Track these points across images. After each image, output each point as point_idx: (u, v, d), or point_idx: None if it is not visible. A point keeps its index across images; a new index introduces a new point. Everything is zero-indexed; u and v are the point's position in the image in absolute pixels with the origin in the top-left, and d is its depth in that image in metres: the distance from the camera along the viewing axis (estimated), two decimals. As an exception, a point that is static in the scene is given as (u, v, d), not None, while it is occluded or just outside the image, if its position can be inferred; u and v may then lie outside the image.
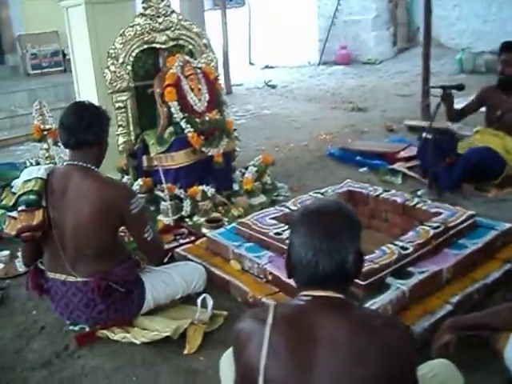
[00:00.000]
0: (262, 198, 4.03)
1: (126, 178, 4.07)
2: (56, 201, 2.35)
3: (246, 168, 4.29)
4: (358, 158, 4.79)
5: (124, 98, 3.87)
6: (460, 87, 3.92)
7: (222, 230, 3.24)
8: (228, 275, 2.87)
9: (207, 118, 3.80)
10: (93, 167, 2.41)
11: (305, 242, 1.43)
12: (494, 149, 3.83)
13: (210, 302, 2.50)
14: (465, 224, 2.94)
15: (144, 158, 3.95)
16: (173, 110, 3.74)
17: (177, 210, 3.74)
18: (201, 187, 3.75)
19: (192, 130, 3.73)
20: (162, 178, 3.70)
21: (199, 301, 2.48)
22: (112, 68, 3.78)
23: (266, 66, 11.14)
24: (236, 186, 4.15)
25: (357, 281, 2.46)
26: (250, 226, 3.05)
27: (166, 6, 3.93)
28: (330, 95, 8.11)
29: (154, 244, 2.51)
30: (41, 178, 2.35)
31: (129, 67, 3.85)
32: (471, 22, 9.59)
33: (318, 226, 1.43)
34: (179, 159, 3.80)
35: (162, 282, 2.58)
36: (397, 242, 2.72)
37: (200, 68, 3.93)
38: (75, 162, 2.38)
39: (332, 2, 10.17)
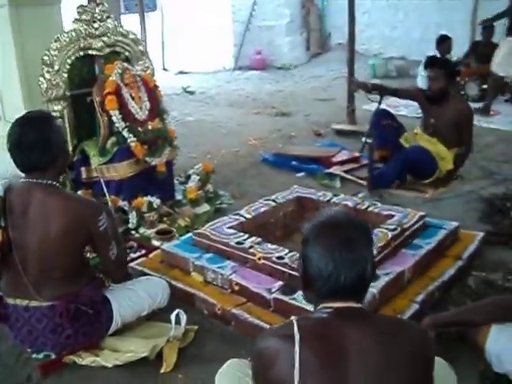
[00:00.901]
0: (206, 207, 3.99)
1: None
2: (16, 220, 2.18)
3: (188, 177, 4.23)
4: (294, 163, 4.87)
5: (60, 107, 3.68)
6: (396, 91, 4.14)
7: (176, 241, 3.17)
8: (191, 288, 2.81)
9: (150, 127, 3.71)
10: (54, 183, 2.27)
11: (324, 255, 1.43)
12: (430, 151, 4.07)
13: (184, 318, 2.44)
14: (417, 225, 3.09)
15: (83, 169, 3.77)
16: (114, 118, 3.61)
17: (122, 222, 3.60)
18: (146, 198, 3.64)
19: (135, 139, 3.62)
20: (105, 189, 3.55)
21: (173, 317, 2.41)
22: (47, 76, 3.58)
23: (180, 72, 11.00)
24: (178, 196, 4.08)
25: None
26: (208, 236, 3.01)
27: (101, 12, 3.78)
28: (251, 100, 8.18)
29: (118, 262, 2.41)
30: (-3, 197, 2.17)
31: (64, 75, 3.66)
32: (380, 29, 10.08)
33: (335, 238, 1.45)
34: (122, 170, 3.67)
35: (128, 300, 2.47)
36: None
37: (139, 75, 3.82)
38: (34, 180, 2.23)
39: (246, 8, 10.26)
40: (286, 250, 2.79)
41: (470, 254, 3.07)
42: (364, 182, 4.32)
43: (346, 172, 4.59)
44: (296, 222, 3.56)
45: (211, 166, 4.26)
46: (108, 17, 3.84)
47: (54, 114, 3.64)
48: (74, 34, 3.67)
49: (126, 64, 3.80)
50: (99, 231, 2.25)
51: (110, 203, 3.53)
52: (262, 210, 3.33)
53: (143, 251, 3.27)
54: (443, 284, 2.79)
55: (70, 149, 3.77)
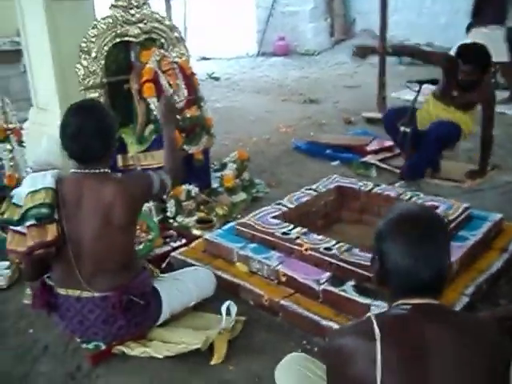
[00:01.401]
0: (243, 196, 3.95)
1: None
2: (70, 213, 2.16)
3: (224, 165, 4.19)
4: (328, 151, 4.81)
5: (97, 94, 3.64)
6: (434, 81, 4.03)
7: (219, 231, 3.14)
8: (236, 278, 2.78)
9: (188, 115, 3.67)
10: (107, 170, 2.25)
11: (403, 251, 1.39)
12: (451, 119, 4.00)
13: (234, 309, 2.41)
14: (462, 216, 3.02)
15: (119, 157, 3.73)
16: (152, 106, 3.57)
17: (159, 211, 3.58)
18: (184, 187, 3.61)
19: (173, 127, 3.58)
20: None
21: (224, 308, 2.38)
22: (84, 63, 3.55)
23: (203, 58, 10.94)
24: (214, 184, 4.04)
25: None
26: (252, 226, 2.97)
27: (137, -3, 3.73)
28: (277, 87, 8.10)
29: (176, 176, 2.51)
30: (51, 189, 2.15)
31: (101, 62, 3.62)
32: (406, 15, 9.90)
33: (415, 233, 1.40)
34: (159, 158, 3.60)
35: (176, 291, 2.46)
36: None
37: (176, 62, 3.78)
38: (86, 170, 2.21)
39: (270, -7, 10.16)
40: (333, 241, 2.75)
41: (519, 247, 3.00)
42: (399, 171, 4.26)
43: (380, 161, 4.52)
44: (336, 211, 3.52)
45: (246, 155, 4.21)
46: (144, 3, 3.79)
47: (91, 101, 3.64)
48: (110, 20, 3.63)
49: (162, 51, 3.76)
50: (155, 194, 2.38)
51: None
52: (304, 199, 3.29)
53: (183, 240, 3.25)
54: (491, 276, 2.74)
55: (107, 136, 3.76)
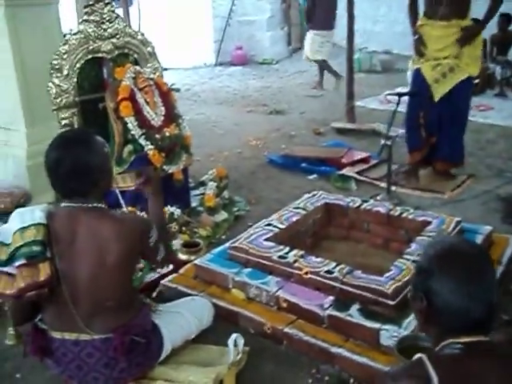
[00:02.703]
0: (224, 215, 3.83)
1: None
2: (63, 250, 1.98)
3: (201, 183, 4.07)
4: (304, 164, 4.75)
5: (70, 114, 3.45)
6: (412, 93, 4.04)
7: (209, 255, 3.01)
8: (234, 306, 2.67)
9: (167, 134, 3.52)
10: (100, 205, 2.09)
11: (454, 288, 1.33)
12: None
13: (241, 342, 2.29)
14: (455, 230, 3.01)
15: (94, 179, 3.56)
16: (130, 126, 3.41)
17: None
18: (166, 209, 3.46)
19: (152, 147, 3.43)
20: (121, 200, 3.35)
21: (231, 341, 2.26)
22: (56, 81, 3.34)
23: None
24: (193, 203, 3.91)
25: (386, 301, 2.42)
26: (246, 250, 2.86)
27: (110, 12, 3.56)
28: (240, 98, 8.01)
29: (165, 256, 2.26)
30: (42, 224, 1.97)
31: (74, 80, 3.44)
32: (362, 23, 10.01)
33: (467, 271, 1.34)
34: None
35: (176, 325, 2.32)
36: (406, 257, 2.70)
37: (152, 79, 3.63)
38: (78, 204, 2.04)
39: (227, 3, 10.05)
40: (333, 264, 2.67)
41: (508, 258, 3.02)
42: (380, 183, 4.25)
43: (358, 173, 4.50)
44: (324, 228, 3.46)
45: (225, 172, 4.10)
46: (117, 17, 3.63)
47: (64, 122, 3.45)
48: (82, 35, 3.45)
49: (137, 67, 3.60)
50: (150, 246, 2.13)
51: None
52: (294, 218, 3.20)
53: (171, 266, 3.10)
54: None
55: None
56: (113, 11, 3.59)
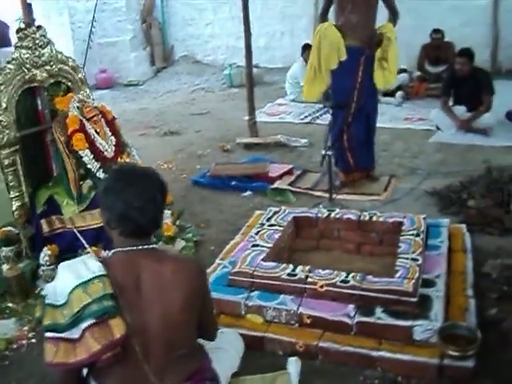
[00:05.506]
0: (182, 243, 3.69)
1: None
2: (130, 301, 1.77)
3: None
4: (234, 182, 4.74)
5: (11, 152, 3.08)
6: (341, 103, 4.27)
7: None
8: (256, 331, 2.60)
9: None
10: (154, 246, 1.92)
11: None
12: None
13: (299, 364, 2.25)
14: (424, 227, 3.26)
15: (43, 221, 3.21)
16: (86, 159, 3.16)
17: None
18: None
19: (111, 179, 3.19)
20: (83, 240, 3.06)
21: (291, 367, 2.21)
22: (-3, 117, 2.97)
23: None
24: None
25: (408, 299, 2.54)
26: (250, 273, 2.80)
27: (42, 36, 3.25)
28: (124, 122, 7.60)
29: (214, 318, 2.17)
30: (104, 276, 1.76)
31: (13, 113, 3.08)
32: (224, 40, 10.27)
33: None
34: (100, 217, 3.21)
35: (225, 361, 2.21)
36: (404, 256, 2.86)
37: (97, 107, 3.38)
38: (134, 247, 1.85)
39: (86, 25, 9.58)
40: (344, 273, 2.74)
41: (471, 245, 3.33)
42: (315, 192, 4.43)
43: (290, 185, 4.62)
44: (293, 242, 3.50)
45: (171, 198, 3.93)
46: (48, 42, 3.32)
47: (6, 161, 3.08)
48: (17, 62, 3.10)
49: (80, 96, 3.33)
50: (208, 288, 2.01)
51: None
52: (276, 236, 3.21)
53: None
54: (473, 277, 3.00)
55: (27, 199, 3.20)
56: (44, 36, 3.28)
